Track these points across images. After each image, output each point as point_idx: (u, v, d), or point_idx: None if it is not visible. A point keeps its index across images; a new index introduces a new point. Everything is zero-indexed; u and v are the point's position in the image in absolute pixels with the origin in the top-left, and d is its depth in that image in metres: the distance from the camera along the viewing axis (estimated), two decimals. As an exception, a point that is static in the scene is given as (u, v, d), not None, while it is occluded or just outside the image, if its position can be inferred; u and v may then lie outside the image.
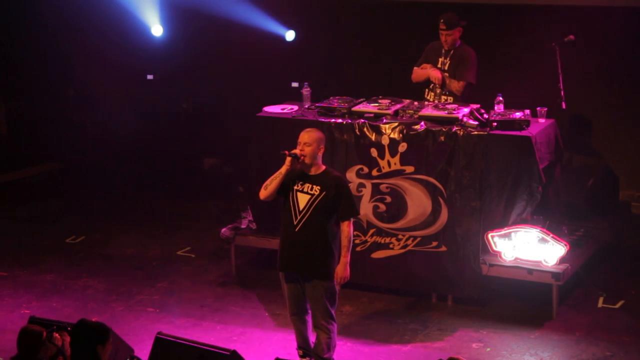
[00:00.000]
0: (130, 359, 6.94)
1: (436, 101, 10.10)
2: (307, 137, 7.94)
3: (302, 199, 7.92)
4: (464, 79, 10.06)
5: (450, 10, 10.24)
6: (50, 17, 14.06)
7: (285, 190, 7.99)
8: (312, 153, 7.92)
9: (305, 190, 7.93)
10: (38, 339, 6.60)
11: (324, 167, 8.03)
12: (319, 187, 7.90)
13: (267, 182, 8.03)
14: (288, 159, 7.93)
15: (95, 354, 6.24)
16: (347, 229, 7.91)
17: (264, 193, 8.06)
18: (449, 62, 10.16)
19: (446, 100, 10.10)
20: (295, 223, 7.92)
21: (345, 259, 7.89)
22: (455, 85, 10.07)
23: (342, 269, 7.90)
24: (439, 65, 10.20)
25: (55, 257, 10.92)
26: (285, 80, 12.85)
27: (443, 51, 10.20)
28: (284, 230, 8.04)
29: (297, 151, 7.94)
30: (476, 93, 10.18)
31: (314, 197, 7.89)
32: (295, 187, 7.95)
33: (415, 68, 10.34)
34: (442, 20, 10.09)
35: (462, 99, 10.02)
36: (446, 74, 10.10)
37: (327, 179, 7.95)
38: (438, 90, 10.18)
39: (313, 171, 7.97)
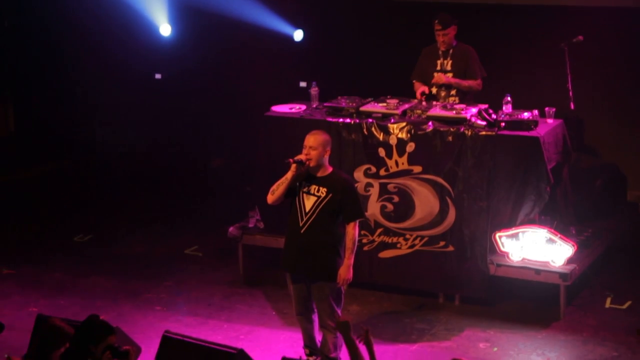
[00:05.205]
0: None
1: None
2: (313, 141, 7.91)
3: (309, 201, 7.91)
4: (479, 77, 10.05)
5: (460, 10, 10.23)
6: (59, 17, 14.07)
7: (292, 191, 7.98)
8: (317, 156, 7.89)
9: (311, 192, 7.92)
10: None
11: (330, 169, 8.01)
12: (325, 189, 7.89)
13: (274, 187, 8.02)
14: (293, 165, 7.93)
15: (89, 352, 6.23)
16: (352, 230, 7.89)
17: (271, 198, 8.06)
18: (450, 61, 10.11)
19: (454, 100, 10.08)
20: (301, 225, 7.92)
21: (348, 261, 7.88)
22: (474, 83, 10.04)
23: (345, 271, 7.88)
24: (438, 68, 10.16)
25: (63, 256, 10.93)
26: (293, 80, 12.85)
27: (440, 52, 10.16)
28: (290, 231, 8.04)
29: (302, 157, 7.91)
30: (484, 93, 10.17)
31: (320, 199, 7.88)
32: (302, 189, 7.94)
33: (415, 83, 10.31)
34: (436, 21, 10.04)
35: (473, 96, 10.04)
36: (450, 75, 10.06)
37: (334, 181, 7.93)
38: (443, 93, 10.14)
39: (320, 173, 7.95)
